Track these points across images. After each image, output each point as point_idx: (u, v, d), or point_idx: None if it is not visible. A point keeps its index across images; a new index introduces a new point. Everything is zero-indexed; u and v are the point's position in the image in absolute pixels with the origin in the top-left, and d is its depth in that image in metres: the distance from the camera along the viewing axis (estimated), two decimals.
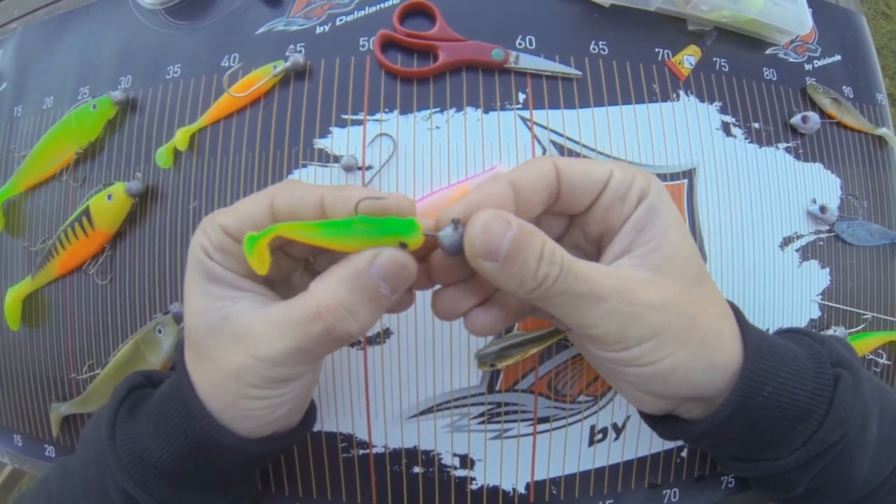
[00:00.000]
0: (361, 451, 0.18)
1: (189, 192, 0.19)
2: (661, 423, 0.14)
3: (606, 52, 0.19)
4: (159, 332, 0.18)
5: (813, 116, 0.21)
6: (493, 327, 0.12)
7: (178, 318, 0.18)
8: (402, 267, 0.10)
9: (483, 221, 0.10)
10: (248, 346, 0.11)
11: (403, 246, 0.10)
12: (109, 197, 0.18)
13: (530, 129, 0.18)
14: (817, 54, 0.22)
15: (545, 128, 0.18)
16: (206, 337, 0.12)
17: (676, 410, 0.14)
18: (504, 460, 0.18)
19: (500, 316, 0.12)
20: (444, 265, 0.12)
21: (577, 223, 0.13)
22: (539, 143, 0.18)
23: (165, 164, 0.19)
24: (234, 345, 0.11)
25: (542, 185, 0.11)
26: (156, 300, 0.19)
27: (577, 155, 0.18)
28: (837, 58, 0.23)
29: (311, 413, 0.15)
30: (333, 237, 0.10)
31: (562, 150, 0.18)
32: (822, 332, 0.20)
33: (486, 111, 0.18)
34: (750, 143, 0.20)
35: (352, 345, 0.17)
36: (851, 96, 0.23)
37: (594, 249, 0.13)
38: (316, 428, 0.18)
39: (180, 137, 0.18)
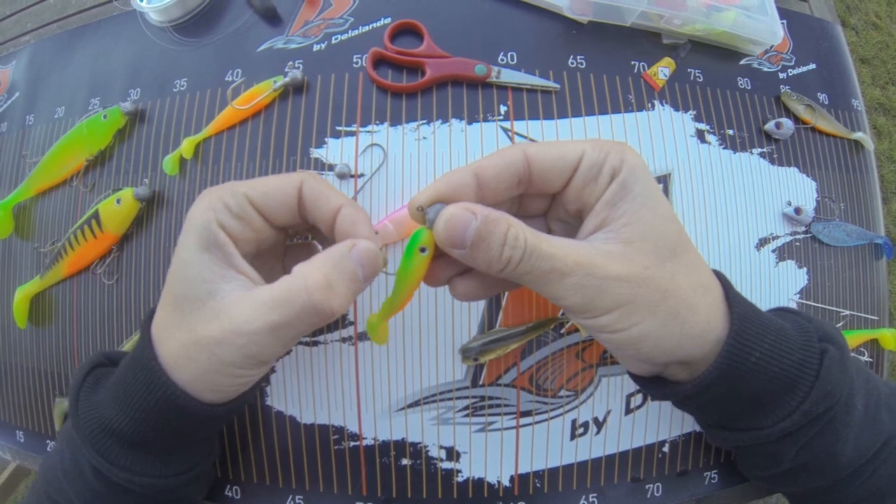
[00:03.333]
0: (352, 444, 0.20)
1: (193, 197, 0.22)
2: (650, 383, 0.16)
3: (584, 65, 0.22)
4: None
5: (786, 122, 0.23)
6: (474, 294, 0.15)
7: None
8: (375, 255, 0.13)
9: (446, 217, 0.12)
10: (229, 322, 0.13)
11: (423, 251, 0.13)
12: (118, 201, 0.21)
13: (511, 139, 0.21)
14: (792, 63, 0.25)
15: (525, 137, 0.21)
16: (189, 307, 0.13)
17: (664, 373, 0.15)
18: (489, 453, 0.20)
19: (479, 284, 0.15)
20: None
21: (558, 200, 0.15)
22: None
23: (172, 171, 0.22)
24: (214, 320, 0.13)
25: (506, 175, 0.13)
26: (159, 299, 0.21)
27: None
28: (812, 66, 0.26)
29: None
30: (405, 286, 0.14)
31: None
32: None
33: (469, 122, 0.21)
34: (724, 148, 0.23)
35: (343, 340, 0.20)
36: (827, 103, 0.25)
37: (576, 223, 0.15)
38: (309, 420, 0.20)
39: (186, 146, 0.21)
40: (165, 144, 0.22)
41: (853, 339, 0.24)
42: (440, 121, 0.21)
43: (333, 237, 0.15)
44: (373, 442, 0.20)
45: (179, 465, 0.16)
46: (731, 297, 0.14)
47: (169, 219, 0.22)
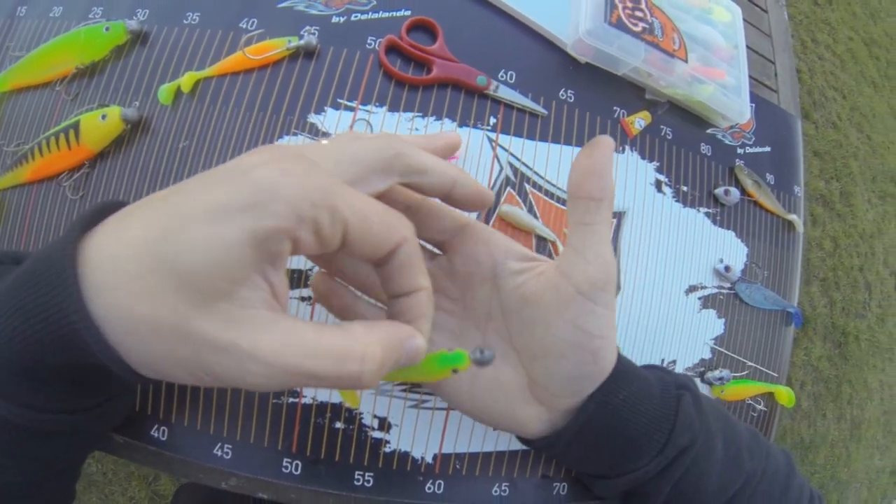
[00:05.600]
0: (291, 400, 0.22)
1: (181, 132, 0.23)
2: (535, 442, 0.18)
3: (572, 99, 0.26)
4: None
5: (734, 191, 0.28)
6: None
7: None
8: (420, 356, 0.13)
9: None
10: (246, 343, 0.11)
11: (454, 371, 0.14)
12: (104, 117, 0.22)
13: (493, 149, 0.24)
14: (751, 142, 0.31)
15: (506, 150, 0.24)
16: (193, 286, 0.10)
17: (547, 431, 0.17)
18: (418, 429, 0.23)
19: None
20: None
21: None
22: (498, 161, 0.24)
23: (166, 100, 0.23)
24: (224, 326, 0.11)
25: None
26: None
27: (529, 179, 0.24)
28: (767, 149, 0.31)
29: None
30: (408, 376, 0.15)
31: (516, 171, 0.24)
32: (709, 373, 0.27)
33: (460, 125, 0.24)
34: (676, 201, 0.27)
35: (302, 299, 0.22)
36: (772, 183, 0.31)
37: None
38: None
39: (186, 80, 0.23)
40: (164, 72, 0.24)
41: (753, 388, 0.29)
42: (434, 117, 0.23)
43: (388, 289, 0.14)
44: (311, 401, 0.22)
45: (47, 399, 0.13)
46: None
47: (151, 147, 0.23)
